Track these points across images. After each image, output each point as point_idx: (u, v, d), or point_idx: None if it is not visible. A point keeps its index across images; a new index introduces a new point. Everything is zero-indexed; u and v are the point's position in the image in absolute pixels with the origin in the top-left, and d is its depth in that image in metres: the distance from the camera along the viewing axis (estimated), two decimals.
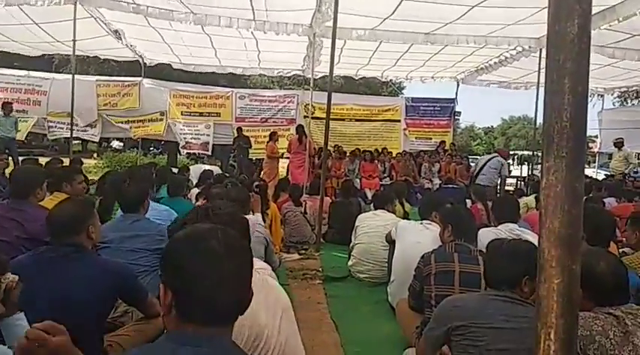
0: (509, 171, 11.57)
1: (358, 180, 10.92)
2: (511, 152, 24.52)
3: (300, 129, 10.45)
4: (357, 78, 13.43)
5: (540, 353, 0.91)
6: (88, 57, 13.56)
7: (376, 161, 11.74)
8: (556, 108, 0.90)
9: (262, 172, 10.72)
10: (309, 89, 10.48)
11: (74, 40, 8.40)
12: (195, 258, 1.09)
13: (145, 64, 12.22)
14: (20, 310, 1.68)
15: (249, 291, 1.15)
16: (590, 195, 6.10)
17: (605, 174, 12.82)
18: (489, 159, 9.10)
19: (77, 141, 21.10)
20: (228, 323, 1.12)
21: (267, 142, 10.77)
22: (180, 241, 1.14)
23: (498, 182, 9.33)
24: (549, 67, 0.90)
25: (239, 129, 12.04)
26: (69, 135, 9.87)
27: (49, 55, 12.88)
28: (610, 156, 14.30)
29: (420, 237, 3.73)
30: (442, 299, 2.30)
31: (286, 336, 1.72)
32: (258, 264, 2.46)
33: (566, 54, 0.88)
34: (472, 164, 11.06)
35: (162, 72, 13.79)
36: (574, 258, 0.88)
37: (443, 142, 13.26)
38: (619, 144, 11.13)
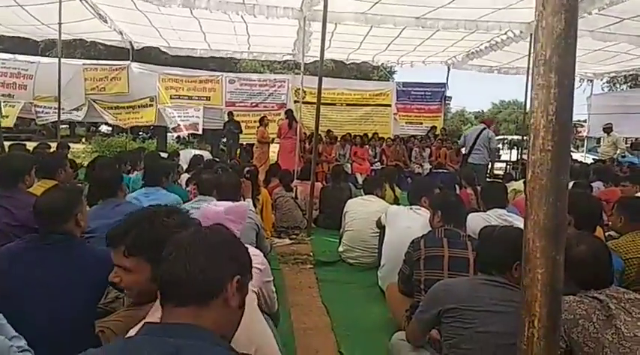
0: (498, 149, 11.45)
1: (349, 165, 10.94)
2: (501, 136, 24.65)
3: (289, 114, 10.39)
4: (348, 62, 13.35)
5: (525, 340, 0.94)
6: (74, 40, 13.31)
7: (367, 145, 11.76)
8: (542, 103, 0.91)
9: (253, 157, 10.69)
10: (299, 73, 10.41)
11: (60, 23, 8.24)
12: (176, 242, 1.14)
13: (133, 47, 12.03)
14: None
15: (219, 273, 1.12)
16: (578, 180, 6.17)
17: (594, 159, 12.97)
18: (479, 134, 8.45)
19: (65, 126, 20.86)
20: (195, 304, 1.08)
21: (258, 127, 10.73)
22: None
23: (489, 158, 8.89)
24: (536, 62, 0.92)
25: (230, 114, 11.94)
26: (56, 119, 9.73)
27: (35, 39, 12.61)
28: (598, 140, 14.45)
29: (410, 222, 3.77)
30: (432, 283, 2.34)
31: None
32: (249, 250, 2.49)
33: (553, 49, 0.89)
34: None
35: (151, 55, 13.59)
36: (559, 249, 0.91)
37: (434, 127, 13.30)
38: (608, 129, 11.25)
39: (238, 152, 11.89)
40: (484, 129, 8.48)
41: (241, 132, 11.85)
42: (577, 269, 1.87)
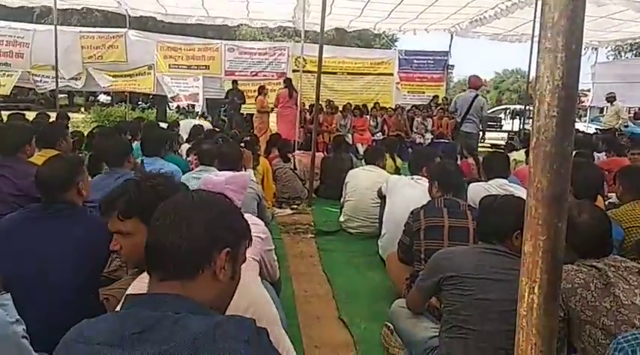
0: (500, 118, 11.03)
1: (350, 135, 10.89)
2: (503, 106, 24.43)
3: (288, 83, 10.20)
4: (349, 30, 13.11)
5: (525, 306, 0.95)
6: (70, 8, 13.04)
7: (366, 116, 11.66)
8: (548, 67, 0.89)
9: (254, 127, 10.61)
10: (299, 41, 10.24)
11: None
12: (163, 209, 1.08)
13: (129, 14, 11.81)
14: (6, 291, 1.63)
15: (205, 244, 1.05)
16: (581, 150, 6.16)
17: (596, 129, 12.90)
18: (472, 102, 7.95)
19: (63, 95, 20.67)
20: (180, 277, 1.02)
21: (257, 96, 10.59)
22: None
23: (480, 126, 8.56)
24: (543, 25, 0.89)
25: (234, 83, 11.65)
26: (54, 88, 9.63)
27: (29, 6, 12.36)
28: (601, 110, 14.33)
29: (410, 191, 3.78)
30: (432, 253, 2.36)
31: None
32: (251, 219, 2.50)
33: (561, 11, 0.87)
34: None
35: (148, 23, 13.35)
36: (560, 216, 0.91)
37: (436, 96, 13.16)
38: (611, 98, 11.14)
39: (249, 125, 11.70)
40: (476, 96, 8.10)
41: (244, 102, 11.64)
42: (578, 238, 1.88)
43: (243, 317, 0.99)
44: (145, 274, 1.14)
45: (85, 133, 6.81)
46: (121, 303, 1.09)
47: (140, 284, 1.48)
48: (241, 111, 11.98)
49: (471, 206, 3.06)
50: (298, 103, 9.60)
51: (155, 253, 1.05)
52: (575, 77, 0.90)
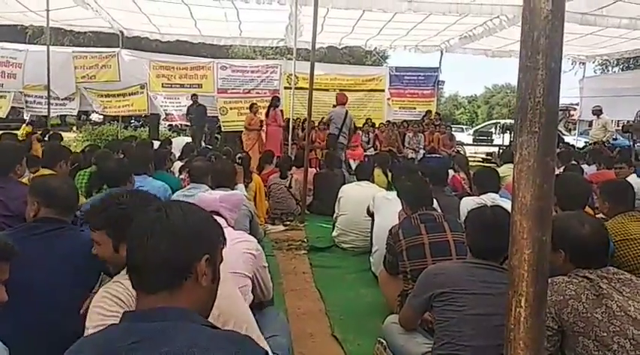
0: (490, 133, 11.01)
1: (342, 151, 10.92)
2: (494, 121, 24.67)
3: (272, 101, 10.41)
4: (340, 47, 13.25)
5: (512, 320, 0.96)
6: (63, 29, 13.11)
7: (359, 132, 11.72)
8: (530, 85, 0.92)
9: (243, 143, 10.62)
10: (291, 59, 10.33)
11: (47, 10, 8.12)
12: (136, 228, 1.10)
13: (122, 34, 11.88)
14: None
15: (184, 256, 1.08)
16: (572, 162, 6.22)
17: (585, 142, 13.03)
18: (345, 117, 8.74)
19: (56, 114, 20.58)
20: (164, 290, 1.05)
21: (248, 114, 10.65)
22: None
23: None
24: (523, 44, 0.92)
25: (193, 96, 11.48)
26: (46, 113, 9.62)
27: (22, 25, 12.41)
28: (590, 123, 14.48)
29: (397, 207, 3.79)
30: (418, 273, 2.36)
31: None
32: (243, 236, 2.50)
33: (540, 31, 0.90)
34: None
35: (141, 42, 13.42)
36: (544, 230, 0.92)
37: (429, 111, 13.25)
38: (597, 111, 11.31)
39: (218, 138, 11.66)
40: (347, 112, 8.88)
41: (206, 115, 11.57)
42: (579, 249, 1.89)
43: (237, 332, 1.07)
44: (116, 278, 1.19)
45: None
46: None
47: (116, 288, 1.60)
48: (224, 129, 11.97)
49: (446, 217, 3.09)
50: (278, 120, 9.69)
51: (137, 271, 1.08)
52: (555, 94, 0.92)
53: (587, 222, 1.97)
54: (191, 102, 11.55)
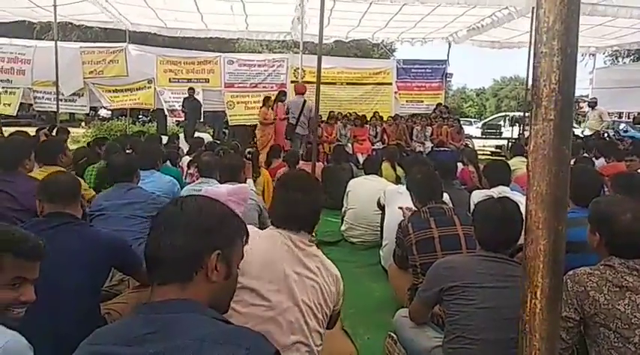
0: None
1: (350, 145, 10.90)
2: (502, 113, 24.49)
3: (278, 96, 10.30)
4: (347, 40, 13.18)
5: (527, 311, 0.94)
6: (70, 23, 13.16)
7: (366, 125, 11.68)
8: (545, 71, 0.90)
9: (257, 139, 10.57)
10: (298, 52, 10.30)
11: (55, 5, 8.14)
12: (155, 221, 1.14)
13: (129, 29, 11.89)
14: None
15: (194, 249, 1.10)
16: (584, 154, 6.15)
17: (585, 135, 12.93)
18: (302, 105, 8.85)
19: (66, 111, 20.68)
20: (176, 281, 1.08)
21: (260, 107, 10.55)
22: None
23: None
24: (539, 29, 0.90)
25: (190, 90, 11.42)
26: (55, 109, 9.66)
27: (30, 21, 12.45)
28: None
29: (408, 201, 3.77)
30: (428, 266, 2.34)
31: None
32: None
33: (556, 15, 0.88)
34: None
35: (148, 37, 13.44)
36: (560, 220, 0.90)
37: (439, 104, 13.15)
38: (593, 103, 11.40)
39: (226, 133, 11.61)
40: (305, 101, 8.96)
41: (201, 111, 11.57)
42: (614, 236, 1.85)
43: (249, 328, 1.08)
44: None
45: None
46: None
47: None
48: (233, 123, 11.94)
49: (456, 210, 3.06)
50: (280, 114, 9.66)
51: (152, 262, 1.11)
52: (571, 80, 0.90)
53: (631, 209, 1.88)
54: (197, 96, 11.55)
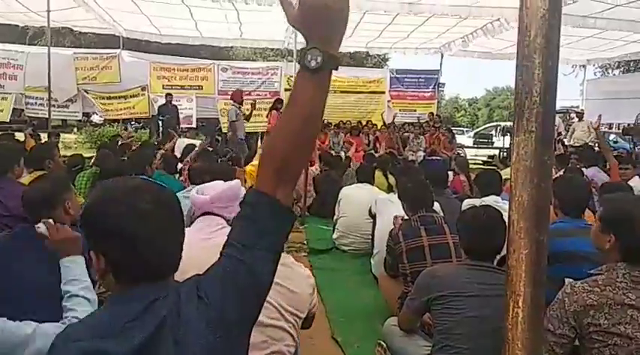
0: (491, 135, 11.02)
1: (343, 153, 10.92)
2: (494, 123, 24.63)
3: (275, 104, 10.03)
4: (340, 49, 13.22)
5: (509, 320, 0.95)
6: (63, 28, 13.12)
7: (361, 134, 11.71)
8: (527, 84, 0.91)
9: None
10: (292, 61, 10.33)
11: (48, 11, 8.13)
12: (122, 219, 1.03)
13: (123, 35, 11.89)
14: None
15: (179, 245, 1.11)
16: (570, 165, 6.20)
17: (571, 145, 13.02)
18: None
19: (59, 118, 20.55)
20: (163, 279, 1.09)
21: (267, 115, 10.28)
22: (101, 203, 1.08)
23: None
24: (520, 43, 0.92)
25: (167, 96, 10.88)
26: (47, 115, 9.60)
27: (24, 26, 12.43)
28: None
29: (398, 209, 3.78)
30: (418, 275, 2.35)
31: None
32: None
33: (537, 29, 0.90)
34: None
35: (141, 44, 13.43)
36: (542, 230, 0.92)
37: (431, 114, 13.23)
38: (580, 115, 11.55)
39: (219, 140, 11.51)
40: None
41: (178, 118, 11.04)
42: (629, 240, 1.73)
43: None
44: None
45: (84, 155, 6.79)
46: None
47: None
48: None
49: (446, 219, 3.09)
50: (273, 122, 9.59)
51: (138, 268, 1.11)
52: (552, 93, 0.92)
53: None
54: (190, 103, 11.51)
